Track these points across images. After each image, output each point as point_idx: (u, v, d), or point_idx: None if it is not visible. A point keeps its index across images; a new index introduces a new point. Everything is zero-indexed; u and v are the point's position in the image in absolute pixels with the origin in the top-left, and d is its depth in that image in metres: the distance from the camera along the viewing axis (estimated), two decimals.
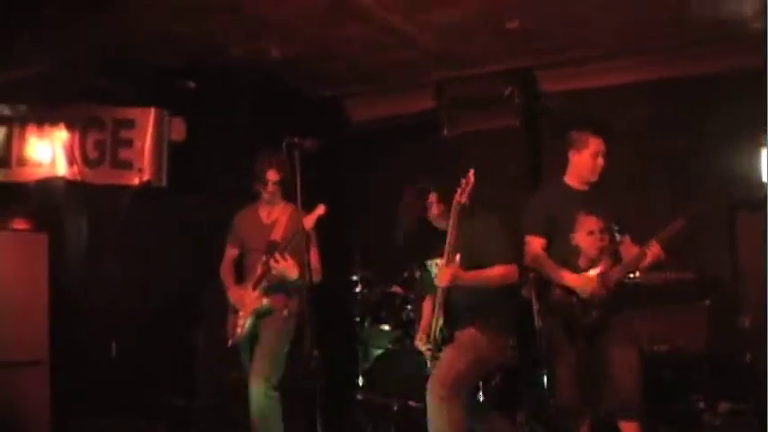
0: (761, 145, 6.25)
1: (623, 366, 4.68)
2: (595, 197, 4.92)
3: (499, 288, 4.73)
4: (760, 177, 6.24)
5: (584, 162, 4.92)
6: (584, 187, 4.98)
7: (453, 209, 4.64)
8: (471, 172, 4.63)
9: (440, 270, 4.61)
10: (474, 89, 7.01)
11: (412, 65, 6.94)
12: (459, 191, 4.62)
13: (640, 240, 4.76)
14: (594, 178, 4.94)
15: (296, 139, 4.35)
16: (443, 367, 4.60)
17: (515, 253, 4.78)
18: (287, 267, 5.04)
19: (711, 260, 6.35)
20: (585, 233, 4.80)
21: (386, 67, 7.03)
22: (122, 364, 5.95)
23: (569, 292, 4.79)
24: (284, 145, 4.29)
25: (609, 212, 4.85)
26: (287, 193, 5.24)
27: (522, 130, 6.95)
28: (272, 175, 5.27)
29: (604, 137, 4.90)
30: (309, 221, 4.82)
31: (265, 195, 5.36)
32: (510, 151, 6.91)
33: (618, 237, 4.91)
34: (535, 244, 4.94)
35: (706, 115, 6.47)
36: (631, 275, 5.27)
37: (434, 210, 4.80)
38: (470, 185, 4.61)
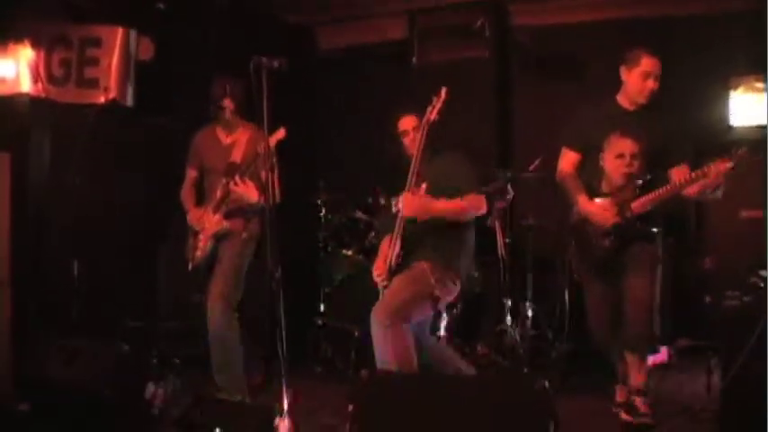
0: (729, 89, 6.24)
1: (637, 302, 4.50)
2: (641, 120, 4.64)
3: (455, 229, 4.69)
4: (727, 121, 6.24)
5: (633, 81, 4.67)
6: (633, 108, 4.74)
7: (423, 127, 4.60)
8: (444, 89, 4.57)
9: (404, 198, 4.53)
10: (445, 19, 6.95)
11: None
12: (430, 108, 4.58)
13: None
14: (643, 100, 4.68)
15: (264, 59, 4.31)
16: (388, 295, 4.58)
17: (482, 185, 4.73)
18: (247, 191, 5.02)
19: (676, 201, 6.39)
20: (614, 155, 4.54)
21: None
22: (85, 285, 5.91)
23: (585, 217, 4.67)
24: (251, 64, 4.23)
25: (656, 139, 4.58)
26: (249, 113, 5.20)
27: (492, 63, 6.91)
28: (228, 104, 5.24)
29: (659, 58, 4.64)
30: (270, 143, 4.72)
31: (223, 119, 5.33)
32: (478, 83, 6.83)
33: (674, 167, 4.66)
34: (567, 158, 4.84)
35: (677, 57, 6.42)
36: None
37: (412, 135, 4.74)
38: (441, 103, 4.55)
